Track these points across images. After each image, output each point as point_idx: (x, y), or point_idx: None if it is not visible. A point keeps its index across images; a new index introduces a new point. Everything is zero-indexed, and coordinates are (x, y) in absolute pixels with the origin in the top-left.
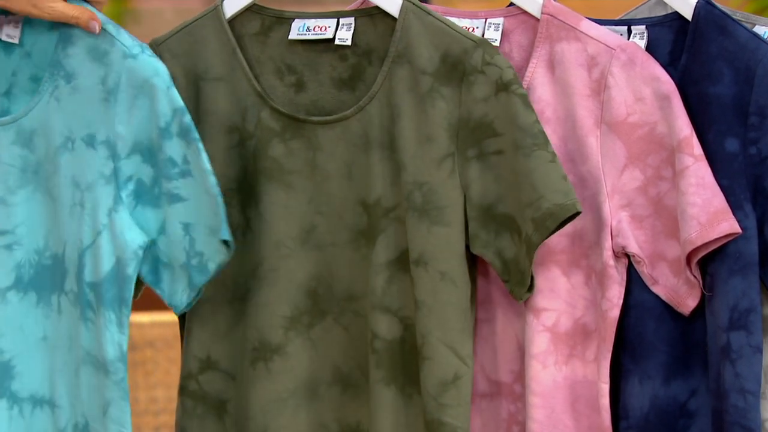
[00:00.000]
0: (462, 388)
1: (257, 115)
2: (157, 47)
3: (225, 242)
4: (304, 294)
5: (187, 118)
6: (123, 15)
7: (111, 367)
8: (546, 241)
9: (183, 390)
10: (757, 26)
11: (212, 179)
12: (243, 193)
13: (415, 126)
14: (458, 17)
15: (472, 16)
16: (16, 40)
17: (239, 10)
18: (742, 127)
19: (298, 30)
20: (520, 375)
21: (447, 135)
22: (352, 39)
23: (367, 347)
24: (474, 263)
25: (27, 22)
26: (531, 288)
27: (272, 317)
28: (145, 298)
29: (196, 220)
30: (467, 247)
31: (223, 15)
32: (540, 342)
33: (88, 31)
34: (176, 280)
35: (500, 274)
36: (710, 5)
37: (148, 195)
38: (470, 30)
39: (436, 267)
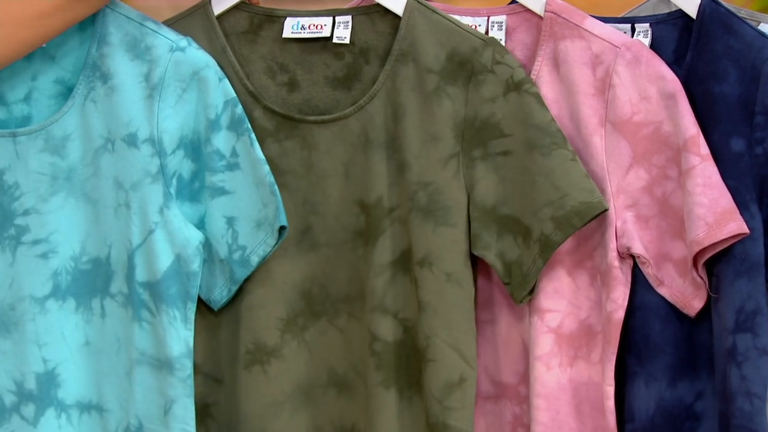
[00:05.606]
0: (467, 391)
1: (250, 115)
2: None
3: (279, 231)
4: (299, 295)
5: (239, 109)
6: None
7: (177, 364)
8: None
9: None
10: (762, 24)
11: (266, 168)
12: None
13: (420, 125)
14: (460, 15)
15: (474, 13)
16: (43, 44)
17: (228, 7)
18: (747, 126)
19: (292, 28)
20: (525, 376)
21: (452, 134)
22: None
23: (365, 349)
24: (475, 264)
25: None
26: (532, 291)
27: (268, 319)
28: None
29: (240, 214)
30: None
31: (212, 12)
32: (544, 343)
33: None
34: (215, 275)
35: (501, 276)
36: (715, 3)
37: (186, 190)
38: (474, 28)
39: (442, 268)
